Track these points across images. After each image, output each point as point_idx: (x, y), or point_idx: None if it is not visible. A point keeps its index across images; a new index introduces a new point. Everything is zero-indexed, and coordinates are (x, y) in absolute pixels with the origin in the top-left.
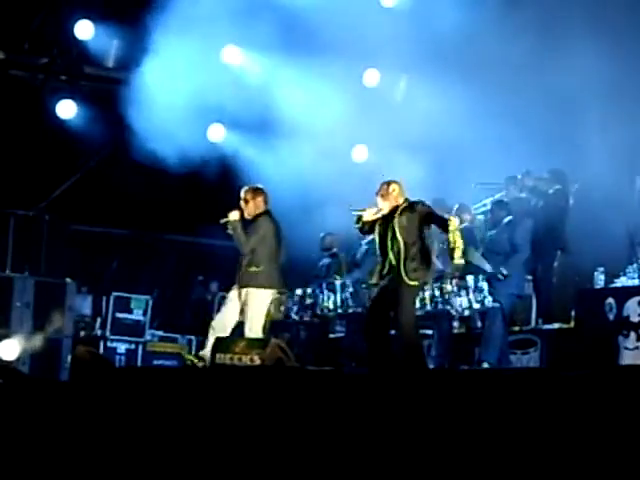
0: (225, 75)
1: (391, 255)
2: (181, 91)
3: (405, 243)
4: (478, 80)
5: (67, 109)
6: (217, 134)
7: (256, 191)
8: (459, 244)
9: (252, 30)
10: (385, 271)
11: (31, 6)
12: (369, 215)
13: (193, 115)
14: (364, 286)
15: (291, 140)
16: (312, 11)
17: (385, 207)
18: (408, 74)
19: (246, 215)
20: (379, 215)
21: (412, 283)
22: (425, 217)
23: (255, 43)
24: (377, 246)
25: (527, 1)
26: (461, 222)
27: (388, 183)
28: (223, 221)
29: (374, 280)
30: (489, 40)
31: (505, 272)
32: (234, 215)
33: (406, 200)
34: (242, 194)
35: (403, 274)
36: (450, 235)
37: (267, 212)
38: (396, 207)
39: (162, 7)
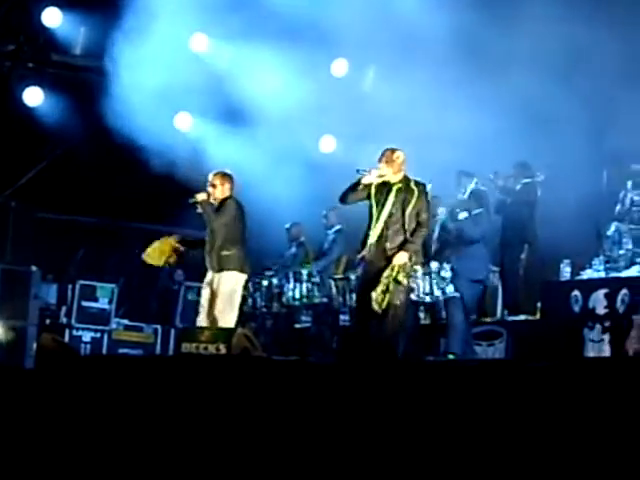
0: (193, 63)
1: (380, 224)
2: (148, 79)
3: (391, 215)
4: (448, 69)
5: (34, 96)
6: (184, 122)
7: (224, 176)
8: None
9: (221, 18)
10: (372, 240)
11: None
12: (372, 177)
13: (160, 103)
14: (330, 277)
15: (258, 129)
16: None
17: (388, 174)
18: (376, 64)
19: (212, 199)
20: (379, 180)
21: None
22: (415, 205)
23: (224, 32)
24: (369, 212)
25: None
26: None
27: (393, 150)
28: (191, 201)
29: (362, 253)
30: (459, 29)
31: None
32: (202, 196)
33: (407, 175)
34: (210, 178)
35: (388, 248)
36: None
37: (232, 197)
38: (400, 178)
39: None
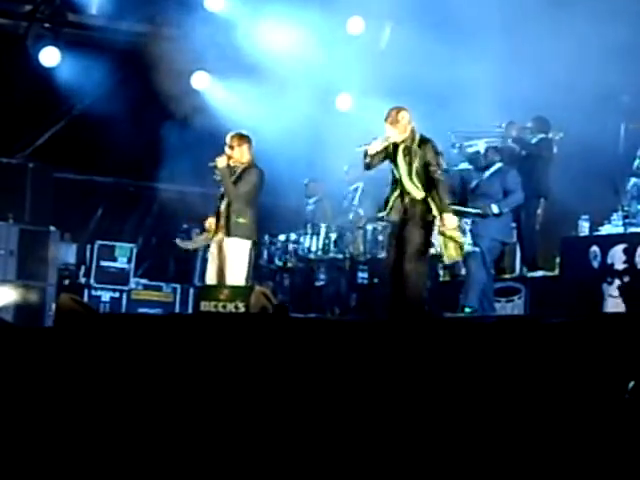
0: (207, 22)
1: (397, 184)
2: (162, 38)
3: (409, 175)
4: (464, 24)
5: (51, 56)
6: (201, 82)
7: (242, 138)
8: (460, 239)
9: None
10: (392, 200)
11: None
12: (377, 145)
13: (177, 62)
14: (348, 232)
15: (274, 87)
16: None
17: (394, 134)
18: (393, 22)
19: (231, 162)
20: (387, 143)
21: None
22: (420, 160)
23: None
24: (391, 174)
25: None
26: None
27: (397, 110)
28: (212, 164)
29: (383, 213)
30: None
31: (496, 210)
32: (222, 161)
33: (414, 133)
34: (228, 140)
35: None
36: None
37: (255, 165)
38: (405, 137)
39: None
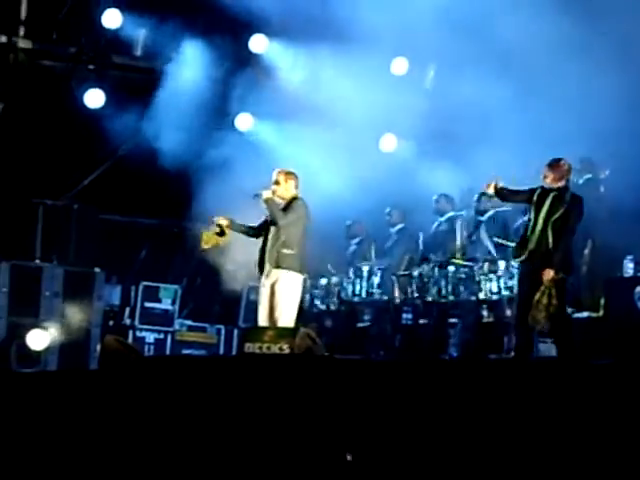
0: (254, 64)
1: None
2: (208, 80)
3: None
4: (507, 66)
5: (95, 98)
6: (245, 123)
7: (288, 174)
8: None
9: (280, 18)
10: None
11: None
12: (268, 192)
13: (219, 105)
14: (393, 274)
15: (321, 130)
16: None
17: (549, 179)
18: (437, 63)
19: (275, 196)
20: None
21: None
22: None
23: (283, 31)
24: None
25: None
26: (485, 209)
27: (560, 158)
28: (256, 194)
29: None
30: (520, 27)
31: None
32: (267, 193)
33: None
34: (274, 175)
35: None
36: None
37: (300, 197)
38: (555, 188)
39: None
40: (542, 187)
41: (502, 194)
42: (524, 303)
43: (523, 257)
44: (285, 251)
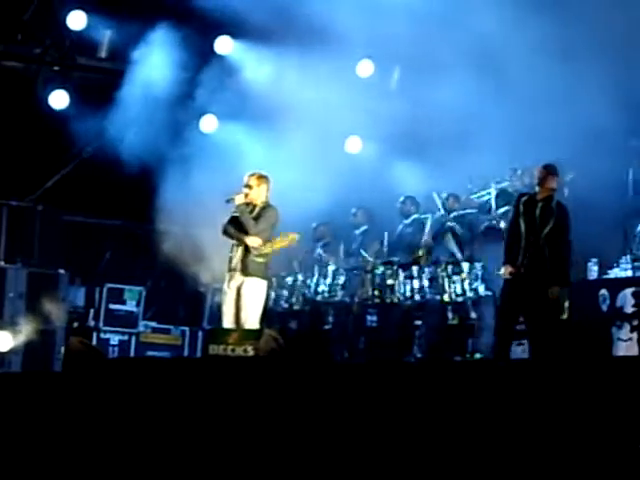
0: (218, 65)
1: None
2: (173, 82)
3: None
4: (473, 68)
5: (60, 99)
6: (210, 125)
7: (261, 178)
8: None
9: (246, 20)
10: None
11: None
12: (240, 198)
13: (183, 106)
14: (357, 276)
15: (284, 131)
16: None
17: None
18: (402, 65)
19: (247, 200)
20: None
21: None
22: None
23: (248, 32)
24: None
25: None
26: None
27: (549, 169)
28: (228, 199)
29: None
30: (487, 28)
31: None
32: (240, 198)
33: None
34: (246, 179)
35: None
36: None
37: (272, 205)
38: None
39: None
40: (528, 195)
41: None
42: (508, 314)
43: (515, 272)
44: (255, 259)
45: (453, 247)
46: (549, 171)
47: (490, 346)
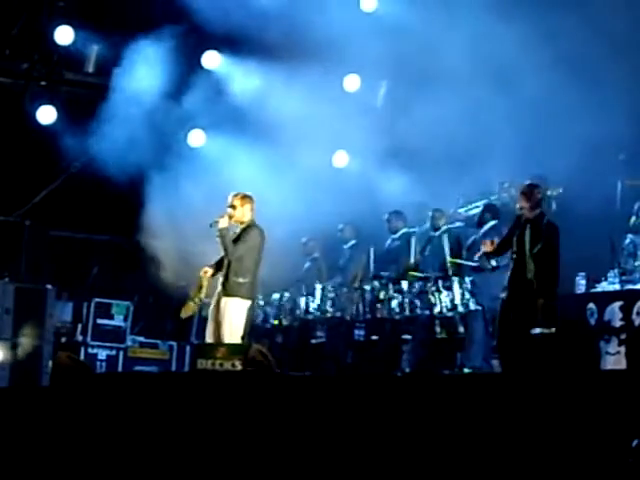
0: (206, 80)
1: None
2: (160, 96)
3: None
4: (458, 82)
5: (47, 114)
6: (197, 139)
7: (245, 198)
8: None
9: (234, 34)
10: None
11: (11, 12)
12: (224, 221)
13: (171, 121)
14: (345, 290)
15: (272, 146)
16: (293, 15)
17: (525, 209)
18: (389, 80)
19: (233, 221)
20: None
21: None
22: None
23: (236, 48)
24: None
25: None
26: (438, 225)
27: (534, 186)
28: (212, 223)
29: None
30: (473, 44)
31: (493, 263)
32: (224, 222)
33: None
34: (230, 199)
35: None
36: None
37: (255, 224)
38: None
39: (143, 13)
40: (518, 217)
41: (498, 249)
42: (505, 330)
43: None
44: (236, 279)
45: (442, 261)
46: (522, 193)
47: (479, 360)
